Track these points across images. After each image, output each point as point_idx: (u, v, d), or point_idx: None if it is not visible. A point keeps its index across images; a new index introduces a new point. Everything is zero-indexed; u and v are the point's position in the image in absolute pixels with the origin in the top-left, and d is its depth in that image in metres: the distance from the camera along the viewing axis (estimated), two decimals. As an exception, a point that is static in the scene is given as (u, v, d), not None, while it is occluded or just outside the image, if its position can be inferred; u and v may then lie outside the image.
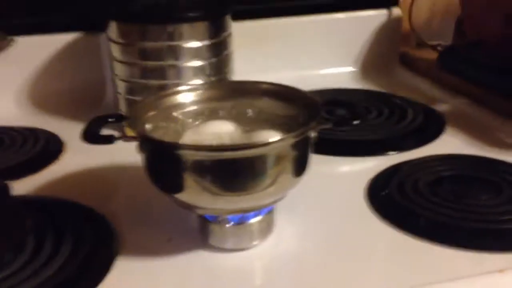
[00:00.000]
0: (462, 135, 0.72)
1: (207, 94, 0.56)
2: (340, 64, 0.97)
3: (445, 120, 0.77)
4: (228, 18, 0.76)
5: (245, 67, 0.81)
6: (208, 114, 0.55)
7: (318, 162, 0.63)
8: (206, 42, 0.72)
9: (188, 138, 0.50)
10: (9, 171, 0.65)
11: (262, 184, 0.45)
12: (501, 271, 0.46)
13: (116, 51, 0.74)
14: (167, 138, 0.50)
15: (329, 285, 0.46)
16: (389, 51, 0.99)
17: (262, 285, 0.48)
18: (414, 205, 0.55)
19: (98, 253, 0.50)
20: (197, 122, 0.54)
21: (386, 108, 0.80)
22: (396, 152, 0.68)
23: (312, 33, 0.95)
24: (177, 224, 0.54)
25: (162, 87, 0.69)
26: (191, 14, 0.71)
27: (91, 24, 0.84)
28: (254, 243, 0.50)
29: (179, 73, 0.72)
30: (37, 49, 0.84)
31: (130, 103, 0.74)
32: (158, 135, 0.50)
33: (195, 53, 0.72)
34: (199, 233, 0.51)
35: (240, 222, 0.49)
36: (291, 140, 0.46)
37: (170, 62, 0.71)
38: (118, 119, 0.53)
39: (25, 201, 0.58)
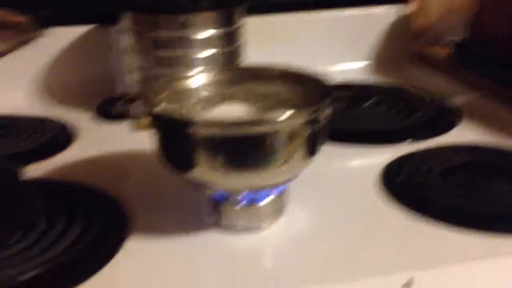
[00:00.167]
0: (476, 127, 0.71)
1: (220, 78, 0.56)
2: (351, 59, 0.97)
3: (459, 113, 0.76)
4: (240, 9, 0.76)
5: (256, 62, 0.81)
6: (220, 97, 0.55)
7: (330, 150, 0.63)
8: (217, 33, 0.72)
9: (200, 120, 0.50)
10: (20, 157, 0.65)
11: (274, 161, 0.45)
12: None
13: (128, 41, 0.74)
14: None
15: (341, 267, 0.45)
16: (401, 47, 0.98)
17: (273, 267, 0.47)
18: (428, 190, 0.55)
19: (109, 233, 0.49)
20: (209, 106, 0.54)
21: (400, 100, 0.79)
22: (409, 141, 0.67)
23: (323, 29, 0.95)
24: (188, 206, 0.54)
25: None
26: (202, 4, 0.71)
27: (103, 17, 0.84)
28: (265, 224, 0.50)
29: (190, 63, 0.72)
30: (48, 42, 0.84)
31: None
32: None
33: (207, 43, 0.72)
34: (210, 214, 0.51)
35: (251, 203, 0.49)
36: (303, 118, 0.45)
37: (182, 52, 0.71)
38: (131, 99, 0.52)
39: (36, 183, 0.58)
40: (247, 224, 0.50)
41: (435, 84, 0.89)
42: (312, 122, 0.46)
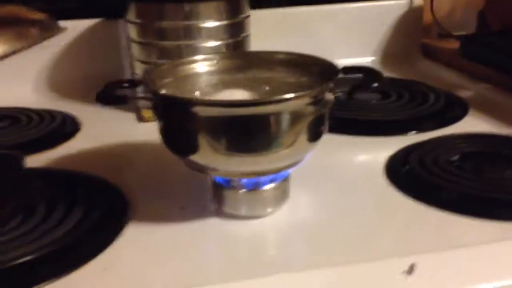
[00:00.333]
0: (483, 118, 0.70)
1: (223, 64, 0.55)
2: (361, 54, 0.95)
3: (467, 104, 0.75)
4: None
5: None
6: (223, 83, 0.54)
7: (336, 141, 0.63)
8: (223, 23, 0.72)
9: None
10: (24, 146, 0.65)
11: (276, 144, 0.44)
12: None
13: (133, 32, 0.74)
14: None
15: (344, 253, 0.44)
16: (410, 41, 0.97)
17: (276, 253, 0.46)
18: (435, 177, 0.53)
19: (109, 218, 0.49)
20: (212, 92, 0.53)
21: (407, 92, 0.78)
22: (416, 132, 0.66)
23: (333, 22, 0.94)
24: (190, 193, 0.53)
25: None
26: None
27: (109, 10, 0.84)
28: (268, 210, 0.49)
29: (195, 53, 0.70)
30: (55, 37, 0.84)
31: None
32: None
33: (212, 33, 0.71)
34: (213, 200, 0.50)
35: (254, 188, 0.48)
36: (307, 99, 0.44)
37: (187, 42, 0.71)
38: (133, 84, 0.52)
39: (39, 172, 0.58)
40: (250, 210, 0.49)
41: (444, 77, 0.88)
42: (317, 103, 0.45)
